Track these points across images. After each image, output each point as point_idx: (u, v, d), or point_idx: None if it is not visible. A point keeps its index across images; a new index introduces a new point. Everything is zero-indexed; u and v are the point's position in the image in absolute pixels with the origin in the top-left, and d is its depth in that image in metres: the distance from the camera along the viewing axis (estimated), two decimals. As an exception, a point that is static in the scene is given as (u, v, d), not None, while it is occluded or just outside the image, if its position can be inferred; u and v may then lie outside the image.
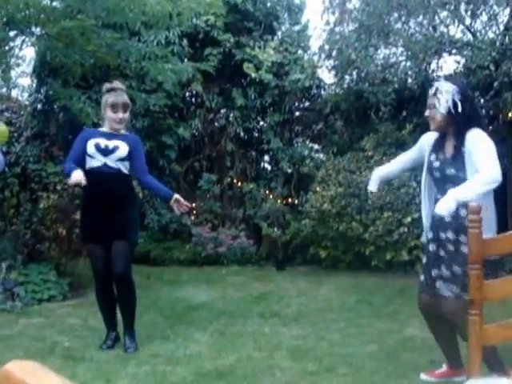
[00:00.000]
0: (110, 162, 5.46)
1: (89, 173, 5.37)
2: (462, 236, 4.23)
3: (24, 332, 6.29)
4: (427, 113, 4.62)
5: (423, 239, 4.79)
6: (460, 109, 4.43)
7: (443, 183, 4.48)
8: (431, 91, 4.60)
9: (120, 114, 5.56)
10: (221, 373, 4.86)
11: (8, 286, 7.46)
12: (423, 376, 4.72)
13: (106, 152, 5.47)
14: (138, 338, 5.77)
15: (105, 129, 5.65)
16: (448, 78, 4.93)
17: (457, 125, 4.48)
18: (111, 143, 5.50)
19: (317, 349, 5.59)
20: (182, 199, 5.60)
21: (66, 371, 4.86)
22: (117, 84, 5.75)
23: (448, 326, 4.51)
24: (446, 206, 4.10)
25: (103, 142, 5.50)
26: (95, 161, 5.48)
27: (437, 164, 4.57)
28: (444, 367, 4.74)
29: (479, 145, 4.31)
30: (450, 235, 4.38)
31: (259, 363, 5.14)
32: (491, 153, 4.25)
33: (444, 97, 4.47)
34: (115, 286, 5.68)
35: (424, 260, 4.61)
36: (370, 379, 4.69)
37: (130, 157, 5.50)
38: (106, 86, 5.70)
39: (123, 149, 5.49)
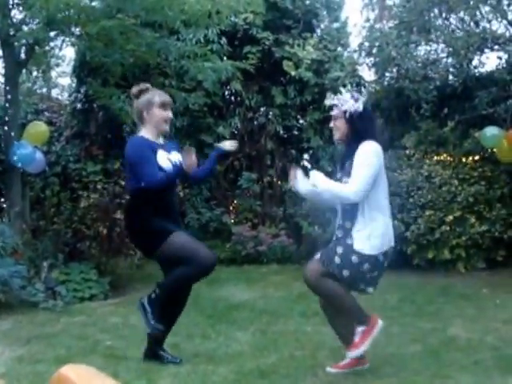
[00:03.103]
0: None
1: (161, 190, 5.00)
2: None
3: (66, 330, 6.31)
4: (331, 124, 4.80)
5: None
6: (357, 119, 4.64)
7: None
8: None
9: (170, 113, 5.18)
10: (263, 372, 4.82)
11: (50, 284, 7.52)
12: (329, 369, 4.76)
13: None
14: (180, 336, 5.75)
15: (149, 136, 5.10)
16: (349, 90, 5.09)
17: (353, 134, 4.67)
18: (175, 157, 5.09)
19: (359, 349, 5.53)
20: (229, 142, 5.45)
21: (107, 370, 4.85)
22: (146, 84, 5.30)
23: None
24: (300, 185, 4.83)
25: (172, 157, 5.08)
26: None
27: (338, 175, 4.80)
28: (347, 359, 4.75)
29: (360, 157, 4.53)
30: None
31: (301, 363, 5.09)
32: (362, 170, 4.48)
33: (344, 107, 4.66)
34: None
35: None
36: (413, 380, 4.61)
37: None
38: (138, 88, 5.21)
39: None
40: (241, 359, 5.19)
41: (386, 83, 11.07)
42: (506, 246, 9.00)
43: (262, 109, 12.14)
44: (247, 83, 11.51)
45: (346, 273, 4.54)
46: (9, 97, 8.80)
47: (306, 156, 12.37)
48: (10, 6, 8.67)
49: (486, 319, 5.81)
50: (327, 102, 4.84)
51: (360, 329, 4.70)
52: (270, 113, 11.87)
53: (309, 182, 4.75)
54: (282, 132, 11.99)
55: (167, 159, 5.00)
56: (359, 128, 4.63)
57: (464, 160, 9.54)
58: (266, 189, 11.88)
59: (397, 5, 10.13)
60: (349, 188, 4.52)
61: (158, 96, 5.11)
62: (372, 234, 4.54)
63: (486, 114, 9.53)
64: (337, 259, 4.59)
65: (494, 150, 9.03)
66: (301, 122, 12.13)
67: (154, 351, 5.17)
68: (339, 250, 4.62)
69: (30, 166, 8.41)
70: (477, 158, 9.50)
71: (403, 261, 9.36)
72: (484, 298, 7.39)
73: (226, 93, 12.02)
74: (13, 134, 8.58)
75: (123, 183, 9.21)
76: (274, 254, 10.57)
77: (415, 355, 5.25)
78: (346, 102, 4.67)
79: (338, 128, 4.74)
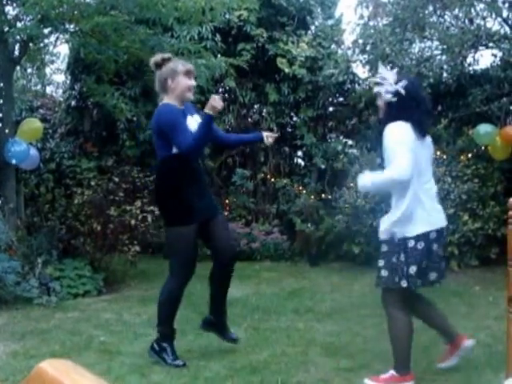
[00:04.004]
0: None
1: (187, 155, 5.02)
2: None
3: (60, 326, 6.33)
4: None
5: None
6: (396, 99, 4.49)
7: None
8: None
9: (194, 81, 5.15)
10: (255, 368, 4.85)
11: (44, 280, 7.53)
12: (367, 381, 4.55)
13: None
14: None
15: (174, 103, 5.06)
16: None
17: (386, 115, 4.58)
18: (199, 119, 5.12)
19: (351, 345, 5.56)
20: (270, 134, 5.47)
21: (101, 365, 4.90)
22: (167, 54, 5.29)
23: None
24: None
25: (197, 119, 5.12)
26: None
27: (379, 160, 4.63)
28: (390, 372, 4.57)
29: (385, 140, 4.42)
30: None
31: (293, 359, 5.12)
32: (397, 150, 4.30)
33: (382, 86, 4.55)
34: (223, 269, 5.29)
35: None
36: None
37: None
38: (160, 56, 5.16)
39: None
40: (233, 355, 5.22)
41: (379, 80, 11.07)
42: (499, 243, 9.01)
43: (255, 106, 12.16)
44: (241, 80, 11.52)
45: None
46: (3, 94, 8.80)
47: (299, 153, 12.39)
48: (4, 2, 8.67)
49: (478, 316, 5.85)
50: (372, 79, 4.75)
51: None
52: (264, 110, 11.89)
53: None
54: (275, 129, 12.00)
55: (196, 122, 5.05)
56: (394, 109, 4.49)
57: (457, 157, 9.56)
58: (260, 186, 11.90)
59: (391, 2, 10.12)
60: (389, 169, 4.35)
61: (181, 64, 5.11)
62: None
63: (479, 111, 9.56)
64: None
65: (488, 147, 9.05)
66: (294, 119, 12.15)
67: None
68: None
69: (24, 162, 8.41)
70: (470, 155, 9.52)
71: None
72: (476, 296, 7.42)
73: (220, 90, 12.02)
74: (7, 130, 8.58)
75: (117, 180, 9.22)
76: (267, 251, 10.60)
77: (407, 351, 5.28)
78: (385, 80, 4.55)
79: (379, 107, 4.66)
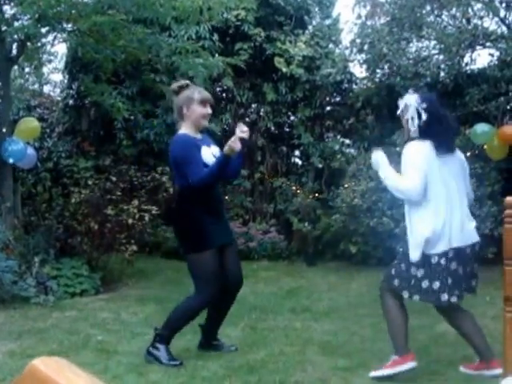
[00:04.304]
0: None
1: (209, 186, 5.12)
2: None
3: (57, 325, 6.33)
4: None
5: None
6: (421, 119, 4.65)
7: None
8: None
9: (210, 109, 5.21)
10: (252, 367, 4.85)
11: (41, 279, 7.52)
12: (462, 368, 4.71)
13: None
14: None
15: (189, 131, 5.14)
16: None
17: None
18: (215, 150, 5.21)
19: (348, 344, 5.57)
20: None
21: (98, 364, 4.90)
22: (186, 80, 5.44)
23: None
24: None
25: (213, 151, 5.19)
26: None
27: None
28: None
29: (403, 158, 4.61)
30: None
31: (290, 358, 5.12)
32: (410, 167, 4.50)
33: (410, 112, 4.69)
34: (228, 296, 5.36)
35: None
36: (402, 375, 4.64)
37: None
38: (178, 84, 5.28)
39: None
40: (230, 354, 5.23)
41: (377, 80, 11.09)
42: (496, 243, 9.01)
43: (253, 105, 12.15)
44: (239, 80, 11.51)
45: None
46: (0, 93, 8.79)
47: (296, 152, 12.39)
48: (1, 2, 8.66)
49: (475, 316, 5.82)
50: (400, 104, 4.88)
51: (394, 357, 4.68)
52: (262, 109, 11.89)
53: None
54: (273, 128, 12.00)
55: (211, 154, 5.10)
56: (416, 128, 4.65)
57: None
58: (257, 185, 11.90)
59: (388, 1, 10.13)
60: (407, 180, 4.51)
61: (197, 93, 5.17)
62: None
63: (476, 111, 9.56)
64: None
65: (485, 147, 9.06)
66: (292, 118, 12.15)
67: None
68: None
69: (21, 161, 8.41)
70: (467, 154, 9.52)
71: (392, 258, 9.39)
72: (474, 295, 7.42)
73: (218, 89, 12.00)
74: (4, 130, 8.56)
75: (114, 179, 9.22)
76: (264, 250, 10.60)
77: (404, 351, 5.29)
78: (408, 101, 4.73)
79: (404, 128, 4.83)
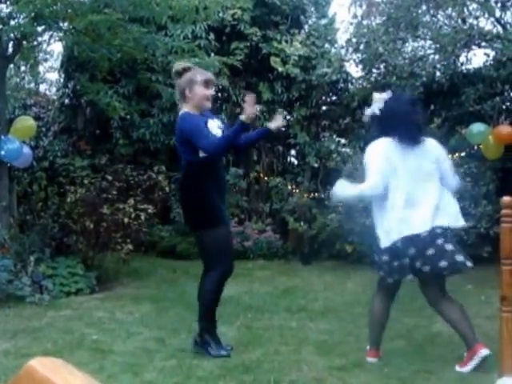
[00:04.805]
0: None
1: (217, 160, 5.26)
2: None
3: (52, 324, 6.31)
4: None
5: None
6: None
7: None
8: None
9: (212, 91, 5.28)
10: (247, 367, 4.84)
11: (36, 278, 7.51)
12: (458, 368, 4.73)
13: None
14: (165, 331, 5.80)
15: (194, 111, 5.18)
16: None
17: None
18: (219, 123, 5.31)
19: (344, 343, 5.56)
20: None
21: (93, 364, 4.89)
22: (188, 63, 5.49)
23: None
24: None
25: (217, 123, 5.28)
26: None
27: None
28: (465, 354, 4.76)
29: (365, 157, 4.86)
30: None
31: (286, 358, 5.12)
32: (368, 167, 4.77)
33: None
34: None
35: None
36: (397, 375, 4.64)
37: None
38: (181, 66, 5.30)
39: None
40: (226, 354, 5.23)
41: (373, 79, 11.10)
42: (491, 242, 9.03)
43: (249, 105, 12.15)
44: (234, 79, 11.51)
45: None
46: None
47: (292, 152, 12.40)
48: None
49: (470, 315, 5.82)
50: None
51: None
52: (257, 109, 11.86)
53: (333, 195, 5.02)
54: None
55: (217, 127, 5.19)
56: (375, 127, 4.99)
57: (450, 156, 9.56)
58: (253, 184, 11.91)
59: (384, 1, 10.14)
60: (366, 183, 4.76)
61: (199, 74, 5.21)
62: None
63: (472, 110, 9.58)
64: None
65: (481, 146, 9.07)
66: (287, 117, 12.14)
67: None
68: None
69: (17, 160, 8.40)
70: (463, 154, 9.54)
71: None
72: (469, 295, 7.42)
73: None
74: (0, 128, 8.56)
75: (110, 178, 9.22)
76: (260, 250, 10.61)
77: (399, 351, 5.29)
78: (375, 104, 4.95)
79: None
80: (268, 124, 5.23)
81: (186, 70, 5.22)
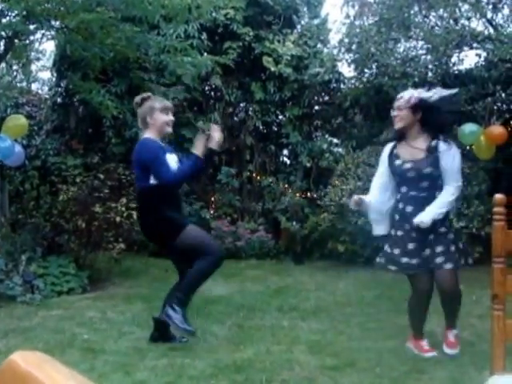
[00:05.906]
0: None
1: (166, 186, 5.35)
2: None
3: (43, 324, 6.30)
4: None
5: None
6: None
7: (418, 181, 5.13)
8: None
9: (171, 116, 5.51)
10: (239, 366, 4.84)
11: (27, 278, 7.49)
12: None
13: None
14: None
15: (156, 136, 5.42)
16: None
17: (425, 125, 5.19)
18: (175, 158, 5.53)
19: (335, 343, 5.57)
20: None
21: (84, 363, 4.88)
22: (147, 94, 5.68)
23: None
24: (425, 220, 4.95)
25: (174, 158, 5.50)
26: None
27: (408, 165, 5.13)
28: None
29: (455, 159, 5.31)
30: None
31: (278, 357, 5.12)
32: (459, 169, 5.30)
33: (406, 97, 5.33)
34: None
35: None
36: (389, 374, 4.65)
37: None
38: (140, 97, 5.56)
39: None
40: (217, 353, 5.21)
41: (365, 79, 11.12)
42: (482, 242, 9.05)
43: (241, 104, 12.17)
44: (227, 79, 11.52)
45: None
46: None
47: (285, 151, 12.41)
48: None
49: (462, 315, 5.85)
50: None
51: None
52: (250, 108, 11.90)
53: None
54: (261, 127, 12.01)
55: (174, 161, 5.41)
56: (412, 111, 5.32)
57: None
58: (245, 184, 11.91)
59: (377, 1, 10.15)
60: (449, 190, 5.11)
61: (157, 102, 5.49)
62: None
63: (464, 111, 9.59)
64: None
65: (473, 147, 9.08)
66: (280, 117, 12.17)
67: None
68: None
69: (9, 159, 8.37)
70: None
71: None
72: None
73: (206, 88, 12.01)
74: (-9, 127, 8.54)
75: (102, 177, 9.20)
76: (252, 249, 10.61)
77: (391, 350, 5.30)
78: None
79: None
80: (197, 145, 5.38)
81: (144, 99, 5.50)
